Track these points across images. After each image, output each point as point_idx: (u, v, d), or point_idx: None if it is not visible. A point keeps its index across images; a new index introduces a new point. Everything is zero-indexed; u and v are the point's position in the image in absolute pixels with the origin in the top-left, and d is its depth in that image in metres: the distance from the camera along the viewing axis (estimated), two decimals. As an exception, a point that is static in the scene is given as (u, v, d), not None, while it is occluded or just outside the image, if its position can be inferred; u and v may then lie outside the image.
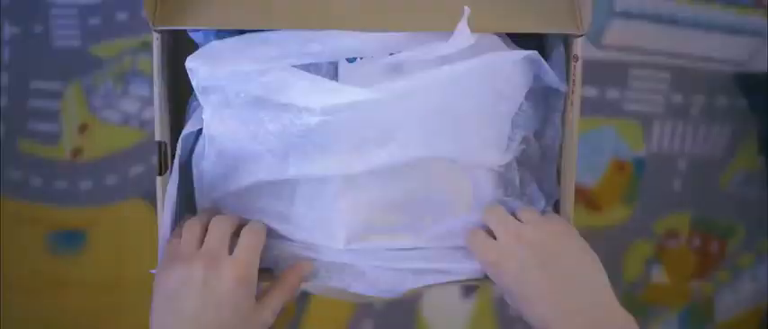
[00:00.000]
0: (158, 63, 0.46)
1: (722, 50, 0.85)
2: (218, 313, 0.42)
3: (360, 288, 0.49)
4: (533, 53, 0.47)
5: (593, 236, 0.97)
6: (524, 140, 0.51)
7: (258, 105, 0.47)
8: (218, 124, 0.48)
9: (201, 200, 0.51)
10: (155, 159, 0.49)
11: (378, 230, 0.49)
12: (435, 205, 0.50)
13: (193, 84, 0.47)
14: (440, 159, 0.49)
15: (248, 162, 0.49)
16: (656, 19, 0.83)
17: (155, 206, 0.49)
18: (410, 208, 0.50)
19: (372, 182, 0.48)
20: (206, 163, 0.50)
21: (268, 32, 0.46)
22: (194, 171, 0.51)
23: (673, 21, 0.83)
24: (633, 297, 0.89)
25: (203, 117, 0.48)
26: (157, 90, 0.47)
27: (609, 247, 0.89)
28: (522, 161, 0.52)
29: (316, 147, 0.47)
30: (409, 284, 0.49)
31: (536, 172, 0.53)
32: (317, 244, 0.50)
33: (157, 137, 0.48)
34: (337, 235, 0.49)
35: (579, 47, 0.47)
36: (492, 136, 0.50)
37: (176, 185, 0.48)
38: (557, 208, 0.52)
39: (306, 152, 0.47)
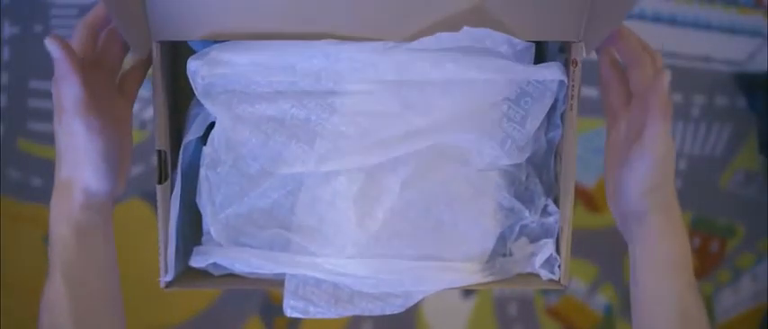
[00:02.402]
0: (159, 72, 0.46)
1: (722, 50, 0.85)
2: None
3: (377, 310, 0.49)
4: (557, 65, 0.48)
5: (593, 236, 0.97)
6: (533, 138, 0.51)
7: (278, 95, 0.47)
8: (235, 123, 0.47)
9: (212, 206, 0.50)
10: (155, 160, 0.49)
11: (384, 240, 0.49)
12: (444, 213, 0.49)
13: (195, 86, 0.47)
14: (446, 160, 0.48)
15: (273, 158, 0.48)
16: (656, 19, 0.83)
17: (155, 206, 0.49)
18: (415, 217, 0.49)
19: (379, 190, 0.48)
20: (220, 169, 0.49)
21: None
22: (204, 178, 0.50)
23: (673, 21, 0.83)
24: (633, 297, 0.89)
25: (216, 121, 0.48)
26: (158, 99, 0.47)
27: (609, 247, 0.89)
28: (529, 157, 0.52)
29: (340, 135, 0.47)
30: (418, 296, 0.49)
31: (538, 166, 0.53)
32: (322, 255, 0.49)
33: (158, 146, 0.48)
34: (343, 246, 0.48)
35: (578, 51, 0.47)
36: (490, 130, 0.49)
37: (178, 200, 0.48)
38: (556, 202, 0.52)
39: (331, 140, 0.47)
